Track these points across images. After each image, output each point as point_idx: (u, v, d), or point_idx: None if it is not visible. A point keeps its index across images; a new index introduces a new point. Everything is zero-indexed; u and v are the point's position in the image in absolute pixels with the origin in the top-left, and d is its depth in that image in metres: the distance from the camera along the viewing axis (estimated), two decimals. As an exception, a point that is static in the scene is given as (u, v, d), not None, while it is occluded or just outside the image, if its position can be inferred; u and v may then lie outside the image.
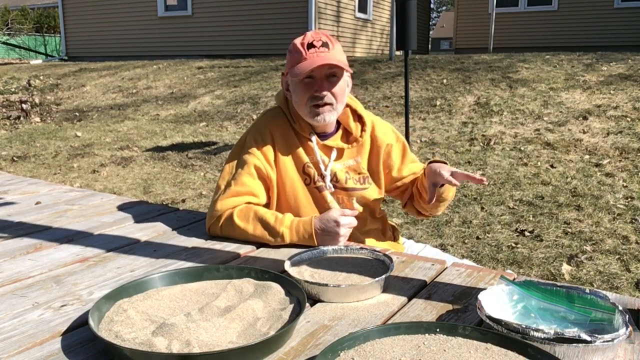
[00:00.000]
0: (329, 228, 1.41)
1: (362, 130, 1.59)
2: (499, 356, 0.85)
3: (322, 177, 1.55)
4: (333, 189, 1.56)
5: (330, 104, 1.49)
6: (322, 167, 1.55)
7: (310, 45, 1.45)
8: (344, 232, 1.42)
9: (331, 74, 1.47)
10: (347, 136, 1.60)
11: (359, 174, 1.60)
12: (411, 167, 1.67)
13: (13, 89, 9.36)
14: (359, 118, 1.61)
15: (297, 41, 1.48)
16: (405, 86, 5.11)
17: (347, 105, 1.60)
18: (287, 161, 1.55)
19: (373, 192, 1.62)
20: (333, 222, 1.41)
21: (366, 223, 1.63)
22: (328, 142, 1.57)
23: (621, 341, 0.87)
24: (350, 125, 1.59)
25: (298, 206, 1.54)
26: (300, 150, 1.55)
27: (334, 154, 1.57)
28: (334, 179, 1.56)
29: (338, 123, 1.61)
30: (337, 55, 1.47)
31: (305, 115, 1.52)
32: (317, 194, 1.56)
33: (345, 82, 1.52)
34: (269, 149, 1.54)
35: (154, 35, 12.51)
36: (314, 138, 1.55)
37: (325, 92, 1.47)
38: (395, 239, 1.74)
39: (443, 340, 0.90)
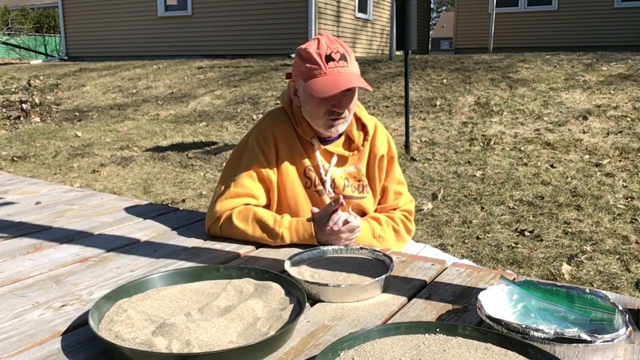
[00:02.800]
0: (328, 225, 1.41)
1: (364, 139, 1.59)
2: (499, 356, 0.85)
3: (322, 181, 1.55)
4: (333, 194, 1.56)
5: (344, 117, 1.48)
6: (322, 171, 1.54)
7: (329, 58, 1.42)
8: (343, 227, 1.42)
9: (348, 89, 1.45)
10: (349, 143, 1.60)
11: (359, 181, 1.59)
12: (396, 189, 1.65)
13: (13, 89, 9.36)
14: (362, 126, 1.60)
15: (312, 49, 1.44)
16: (405, 86, 5.12)
17: None
18: (288, 164, 1.54)
19: (370, 201, 1.61)
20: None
21: None
22: (329, 147, 1.56)
23: (621, 341, 0.87)
24: (354, 133, 1.58)
25: (298, 209, 1.54)
26: (302, 154, 1.55)
27: (334, 159, 1.56)
28: (332, 184, 1.56)
29: None
30: (355, 68, 1.46)
31: (319, 126, 1.50)
32: (317, 198, 1.55)
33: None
34: (271, 151, 1.54)
35: (154, 35, 12.51)
36: (316, 142, 1.55)
37: (344, 108, 1.45)
38: None
39: (443, 340, 0.90)
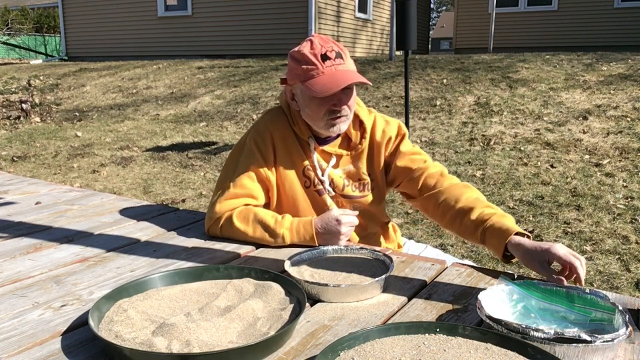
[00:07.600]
0: (330, 227, 1.41)
1: (362, 137, 1.56)
2: (499, 356, 0.85)
3: (321, 181, 1.54)
4: (333, 193, 1.55)
5: (346, 115, 1.47)
6: (319, 172, 1.53)
7: (325, 57, 1.40)
8: (345, 230, 1.41)
9: (347, 87, 1.43)
10: (347, 142, 1.57)
11: (359, 179, 1.57)
12: (416, 158, 1.56)
13: (13, 89, 9.36)
14: (360, 124, 1.57)
15: (306, 50, 1.42)
16: (405, 86, 5.11)
17: None
18: (286, 163, 1.53)
19: (373, 199, 1.60)
20: (334, 220, 1.41)
21: (366, 228, 1.61)
22: (327, 147, 1.54)
23: (621, 341, 0.87)
24: (351, 132, 1.56)
25: (297, 208, 1.54)
26: (300, 153, 1.54)
27: (333, 159, 1.55)
28: (332, 184, 1.54)
29: None
30: (351, 65, 1.44)
31: (320, 127, 1.48)
32: (317, 197, 1.54)
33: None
34: (269, 151, 1.53)
35: (154, 35, 12.50)
36: (312, 142, 1.53)
37: (344, 106, 1.44)
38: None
39: (443, 340, 0.90)
